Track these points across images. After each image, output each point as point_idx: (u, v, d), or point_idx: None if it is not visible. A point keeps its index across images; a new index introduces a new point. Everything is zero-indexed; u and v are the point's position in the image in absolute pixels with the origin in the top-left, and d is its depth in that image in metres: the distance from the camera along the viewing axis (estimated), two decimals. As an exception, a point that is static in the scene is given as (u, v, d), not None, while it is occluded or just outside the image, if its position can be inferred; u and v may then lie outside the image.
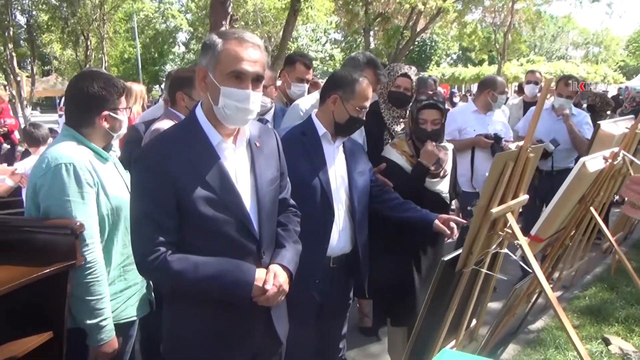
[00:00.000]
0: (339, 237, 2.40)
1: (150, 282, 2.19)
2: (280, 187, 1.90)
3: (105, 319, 1.91)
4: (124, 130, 2.12)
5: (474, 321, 2.86)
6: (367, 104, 2.43)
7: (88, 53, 19.52)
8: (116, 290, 2.01)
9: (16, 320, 1.82)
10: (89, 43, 19.46)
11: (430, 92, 5.15)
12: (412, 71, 3.37)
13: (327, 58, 40.21)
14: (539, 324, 3.78)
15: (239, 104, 1.63)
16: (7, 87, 17.03)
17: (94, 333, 1.90)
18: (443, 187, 2.93)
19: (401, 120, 3.40)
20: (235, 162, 1.72)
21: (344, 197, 2.42)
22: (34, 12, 19.66)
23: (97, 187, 1.91)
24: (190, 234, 1.64)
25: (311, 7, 17.78)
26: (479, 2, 24.98)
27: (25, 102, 17.71)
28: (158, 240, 1.58)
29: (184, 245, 1.63)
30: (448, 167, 2.95)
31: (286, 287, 1.74)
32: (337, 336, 2.60)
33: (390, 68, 3.41)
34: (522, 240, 2.28)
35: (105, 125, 2.01)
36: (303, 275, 1.88)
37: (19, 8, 19.03)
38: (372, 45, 29.07)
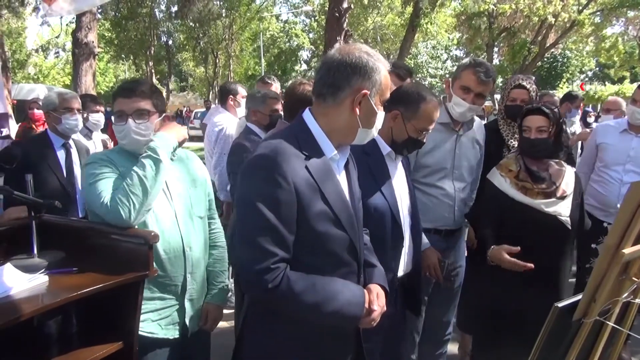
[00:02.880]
0: (406, 259, 2.26)
1: (187, 306, 2.07)
2: None
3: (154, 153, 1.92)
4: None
5: (597, 380, 2.39)
6: (431, 127, 2.24)
7: (216, 70, 20.98)
8: None
9: (90, 327, 1.82)
10: (217, 61, 20.91)
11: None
12: (528, 81, 3.06)
13: (447, 75, 39.19)
14: (684, 390, 3.12)
15: (380, 125, 1.66)
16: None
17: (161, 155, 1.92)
18: (562, 209, 2.54)
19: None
20: (342, 176, 1.67)
21: (408, 218, 2.27)
22: (175, 34, 21.63)
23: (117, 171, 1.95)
24: (300, 250, 1.53)
25: (431, 23, 17.37)
26: (621, 13, 22.66)
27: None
28: (279, 256, 1.47)
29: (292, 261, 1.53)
30: (567, 187, 2.57)
31: (385, 308, 1.69)
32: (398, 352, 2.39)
33: (506, 81, 3.16)
34: (665, 291, 1.84)
35: None
36: None
37: (162, 30, 21.01)
38: (496, 62, 27.77)
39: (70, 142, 3.26)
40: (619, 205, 3.36)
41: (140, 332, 1.86)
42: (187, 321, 2.08)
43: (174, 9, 18.59)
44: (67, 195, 3.03)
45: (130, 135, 1.98)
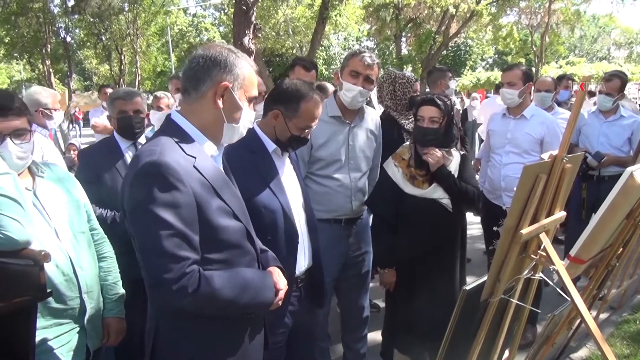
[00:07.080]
0: (304, 255, 2.24)
1: (87, 328, 1.94)
2: None
3: None
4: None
5: (507, 353, 2.54)
6: (313, 124, 2.22)
7: (122, 67, 19.92)
8: None
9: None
10: (122, 57, 19.86)
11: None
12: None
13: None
14: (582, 352, 3.40)
15: (249, 124, 1.70)
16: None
17: None
18: (443, 193, 2.71)
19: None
20: (224, 171, 1.72)
21: (302, 213, 2.27)
22: (75, 30, 20.22)
23: None
24: (207, 248, 1.54)
25: (340, 15, 17.56)
26: (514, 3, 24.26)
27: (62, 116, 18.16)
28: (191, 259, 1.46)
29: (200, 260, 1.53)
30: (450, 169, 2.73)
31: (287, 286, 1.79)
32: (310, 350, 2.42)
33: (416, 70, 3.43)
34: (559, 265, 1.96)
35: None
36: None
37: (59, 26, 19.57)
38: (405, 52, 28.73)
39: None
40: (502, 185, 3.57)
41: None
42: (88, 342, 1.95)
43: (70, 3, 17.39)
44: None
45: (11, 159, 1.79)
